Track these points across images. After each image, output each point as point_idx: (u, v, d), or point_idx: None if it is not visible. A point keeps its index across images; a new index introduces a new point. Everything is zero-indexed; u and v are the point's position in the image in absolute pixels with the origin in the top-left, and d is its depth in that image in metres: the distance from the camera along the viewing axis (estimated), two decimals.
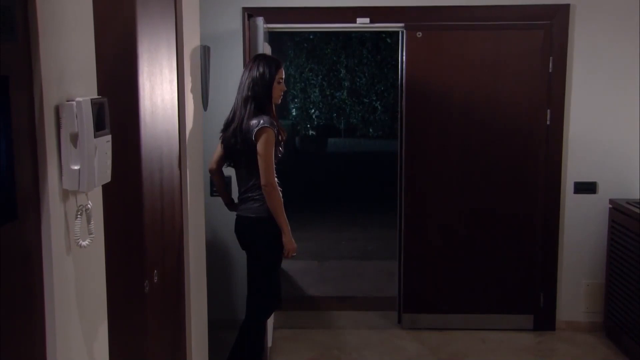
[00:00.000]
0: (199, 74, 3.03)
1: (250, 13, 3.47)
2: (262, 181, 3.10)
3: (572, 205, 4.26)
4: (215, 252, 4.33)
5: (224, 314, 4.39)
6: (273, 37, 4.25)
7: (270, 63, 3.20)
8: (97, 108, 1.53)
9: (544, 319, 4.34)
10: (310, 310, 4.55)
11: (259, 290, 3.30)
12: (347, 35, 14.20)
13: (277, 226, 3.18)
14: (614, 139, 4.19)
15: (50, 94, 1.39)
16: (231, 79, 4.23)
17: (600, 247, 4.25)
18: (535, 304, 4.34)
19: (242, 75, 3.24)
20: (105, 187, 1.69)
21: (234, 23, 4.18)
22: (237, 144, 3.17)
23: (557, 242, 4.28)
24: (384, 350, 4.06)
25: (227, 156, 3.31)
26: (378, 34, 13.63)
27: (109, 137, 1.59)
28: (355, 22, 4.15)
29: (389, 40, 14.33)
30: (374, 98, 15.87)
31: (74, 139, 1.45)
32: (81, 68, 1.55)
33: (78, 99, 1.46)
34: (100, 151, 1.53)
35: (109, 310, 1.74)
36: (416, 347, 4.12)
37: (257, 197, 3.18)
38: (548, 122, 4.19)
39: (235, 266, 4.39)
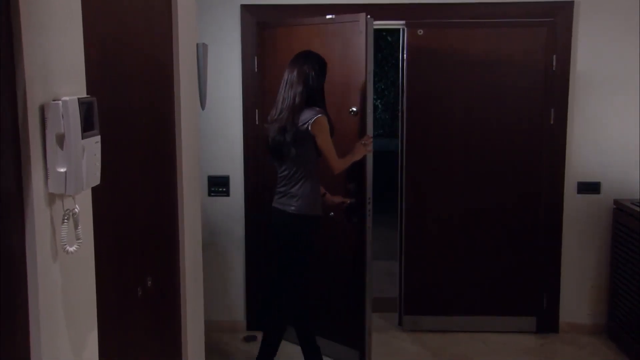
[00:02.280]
0: (196, 71, 2.97)
1: (368, 13, 3.59)
2: (332, 170, 3.31)
3: (576, 206, 4.19)
4: (213, 253, 4.27)
5: (222, 316, 4.33)
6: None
7: (322, 61, 3.33)
8: (86, 107, 1.46)
9: (547, 321, 4.28)
10: None
11: (297, 284, 3.40)
12: None
13: (313, 223, 3.32)
14: (618, 139, 4.13)
15: (35, 93, 1.33)
16: (229, 77, 4.17)
17: (604, 248, 4.19)
18: (537, 305, 4.28)
19: (291, 72, 3.30)
20: (95, 190, 1.63)
21: (232, 20, 4.12)
22: (285, 139, 3.23)
23: (560, 242, 4.22)
24: (385, 352, 4.00)
25: (273, 152, 3.35)
26: (378, 31, 13.56)
27: (98, 138, 1.52)
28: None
29: (389, 38, 14.24)
30: (375, 96, 15.77)
31: (60, 140, 1.39)
32: (69, 65, 1.49)
33: (64, 98, 1.39)
34: (88, 152, 1.46)
35: (100, 318, 1.68)
36: (417, 349, 4.07)
37: (308, 193, 3.28)
38: (551, 121, 4.12)
39: (233, 267, 4.33)
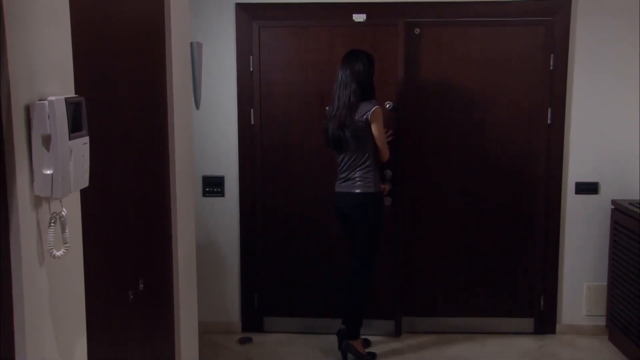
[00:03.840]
0: (190, 71, 2.93)
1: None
2: (383, 156, 3.68)
3: (574, 206, 4.16)
4: (208, 254, 4.22)
5: (217, 318, 4.28)
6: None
7: (370, 57, 3.64)
8: (73, 108, 1.43)
9: (545, 322, 4.24)
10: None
11: (369, 249, 3.76)
12: None
13: (382, 200, 3.75)
14: (616, 139, 4.09)
15: (20, 93, 1.28)
16: (225, 76, 4.12)
17: (602, 249, 4.15)
18: (535, 306, 4.24)
19: (344, 72, 3.60)
20: (85, 192, 1.58)
21: (227, 19, 4.08)
22: (344, 133, 3.58)
23: (558, 243, 4.19)
24: (382, 354, 3.97)
25: (334, 144, 3.69)
26: None
27: (86, 139, 1.48)
28: (351, 18, 4.04)
29: None
30: None
31: (47, 141, 1.35)
32: (56, 64, 1.45)
33: (51, 98, 1.35)
34: (76, 154, 1.42)
35: (89, 324, 1.64)
36: (414, 351, 4.03)
37: (368, 175, 3.64)
38: (549, 121, 4.09)
39: (228, 268, 4.29)
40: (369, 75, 3.61)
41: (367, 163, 3.64)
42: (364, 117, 3.56)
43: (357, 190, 3.66)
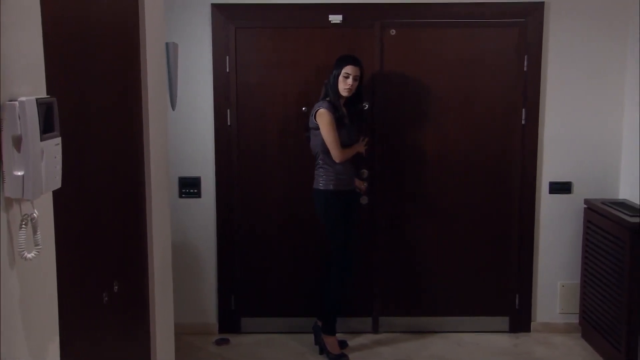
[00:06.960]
0: (165, 71, 2.91)
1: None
2: (334, 158, 3.67)
3: (548, 206, 4.21)
4: (184, 255, 4.20)
5: (194, 319, 4.26)
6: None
7: (338, 61, 3.74)
8: (45, 108, 1.41)
9: (520, 321, 4.30)
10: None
11: (333, 245, 3.83)
12: None
13: (334, 197, 3.75)
14: (589, 139, 4.15)
15: None
16: (200, 77, 4.10)
17: (576, 248, 4.21)
18: (510, 305, 4.29)
19: None
20: (57, 193, 1.57)
21: (203, 19, 4.06)
22: (307, 129, 3.83)
23: (533, 242, 4.24)
24: (360, 354, 3.98)
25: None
26: None
27: (58, 140, 1.47)
28: (327, 19, 4.05)
29: None
30: None
31: (17, 142, 1.33)
32: (27, 65, 1.43)
33: (22, 98, 1.33)
34: (48, 155, 1.41)
35: (62, 326, 1.62)
36: (392, 350, 4.05)
37: (319, 173, 3.77)
38: (523, 122, 4.13)
39: (205, 269, 4.27)
40: (333, 78, 3.71)
41: (317, 161, 3.78)
42: (312, 116, 3.71)
43: (314, 186, 3.81)
